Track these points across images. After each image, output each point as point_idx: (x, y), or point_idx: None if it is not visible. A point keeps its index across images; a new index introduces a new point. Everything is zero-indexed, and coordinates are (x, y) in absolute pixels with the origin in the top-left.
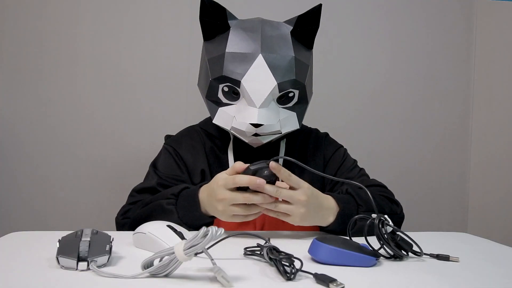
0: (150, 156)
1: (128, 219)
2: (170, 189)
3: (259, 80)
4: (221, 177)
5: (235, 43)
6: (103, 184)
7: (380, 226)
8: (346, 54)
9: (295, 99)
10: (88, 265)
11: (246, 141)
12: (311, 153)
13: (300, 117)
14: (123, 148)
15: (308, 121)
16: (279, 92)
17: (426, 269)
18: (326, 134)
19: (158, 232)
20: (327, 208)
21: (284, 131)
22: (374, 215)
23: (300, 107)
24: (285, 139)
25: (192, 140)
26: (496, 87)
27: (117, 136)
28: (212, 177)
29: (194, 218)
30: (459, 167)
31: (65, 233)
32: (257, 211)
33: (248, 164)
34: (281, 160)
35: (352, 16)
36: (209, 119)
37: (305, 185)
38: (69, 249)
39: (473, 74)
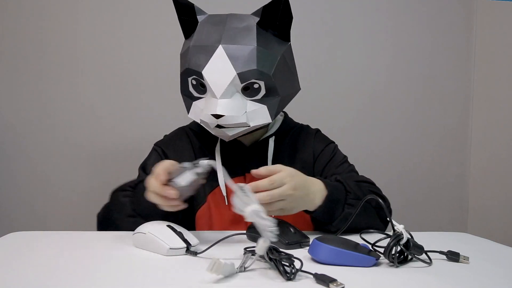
0: None
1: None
2: (131, 180)
3: (218, 70)
4: (150, 183)
5: (199, 36)
6: (103, 184)
7: (393, 246)
8: (346, 54)
9: (263, 91)
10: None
11: (213, 133)
12: (300, 150)
13: (271, 111)
14: (123, 148)
15: (308, 121)
16: (242, 82)
17: (426, 268)
18: (317, 130)
19: (158, 232)
20: (314, 192)
21: (253, 124)
22: (394, 229)
23: (271, 100)
24: (273, 137)
25: (180, 141)
26: (496, 87)
27: (117, 136)
28: None
29: (145, 207)
30: (459, 167)
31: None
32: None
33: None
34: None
35: (352, 16)
36: None
37: (286, 179)
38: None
39: (473, 74)
